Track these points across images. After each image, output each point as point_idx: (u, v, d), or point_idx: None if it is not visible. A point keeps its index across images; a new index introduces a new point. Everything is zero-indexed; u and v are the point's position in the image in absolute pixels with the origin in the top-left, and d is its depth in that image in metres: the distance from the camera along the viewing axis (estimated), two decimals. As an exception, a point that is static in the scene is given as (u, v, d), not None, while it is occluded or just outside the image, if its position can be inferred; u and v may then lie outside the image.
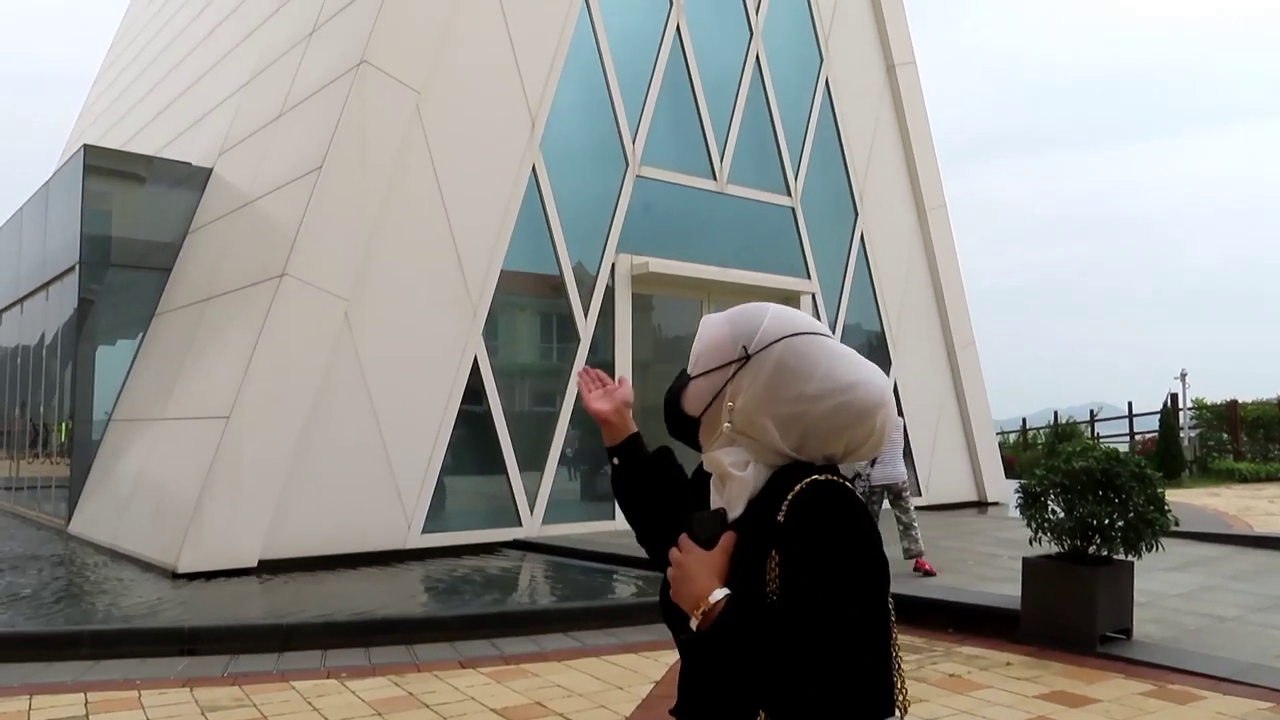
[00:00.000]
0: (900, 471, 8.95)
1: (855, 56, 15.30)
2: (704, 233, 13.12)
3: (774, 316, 1.56)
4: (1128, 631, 6.54)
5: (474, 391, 10.83)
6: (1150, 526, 6.23)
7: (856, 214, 14.91)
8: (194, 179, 12.99)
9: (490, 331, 11.12)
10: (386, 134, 10.17)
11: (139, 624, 7.01)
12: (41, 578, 8.90)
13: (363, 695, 5.53)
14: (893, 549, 8.89)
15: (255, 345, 9.37)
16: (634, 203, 12.38)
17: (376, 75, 10.12)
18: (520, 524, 11.05)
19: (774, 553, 1.42)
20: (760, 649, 1.36)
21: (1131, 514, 6.27)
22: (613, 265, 12.09)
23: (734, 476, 1.53)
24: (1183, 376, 23.78)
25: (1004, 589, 7.58)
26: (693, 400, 1.60)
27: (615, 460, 1.93)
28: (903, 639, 5.53)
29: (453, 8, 10.76)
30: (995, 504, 15.41)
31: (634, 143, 12.46)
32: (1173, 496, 7.97)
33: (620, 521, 11.39)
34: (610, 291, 12.07)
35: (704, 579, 1.45)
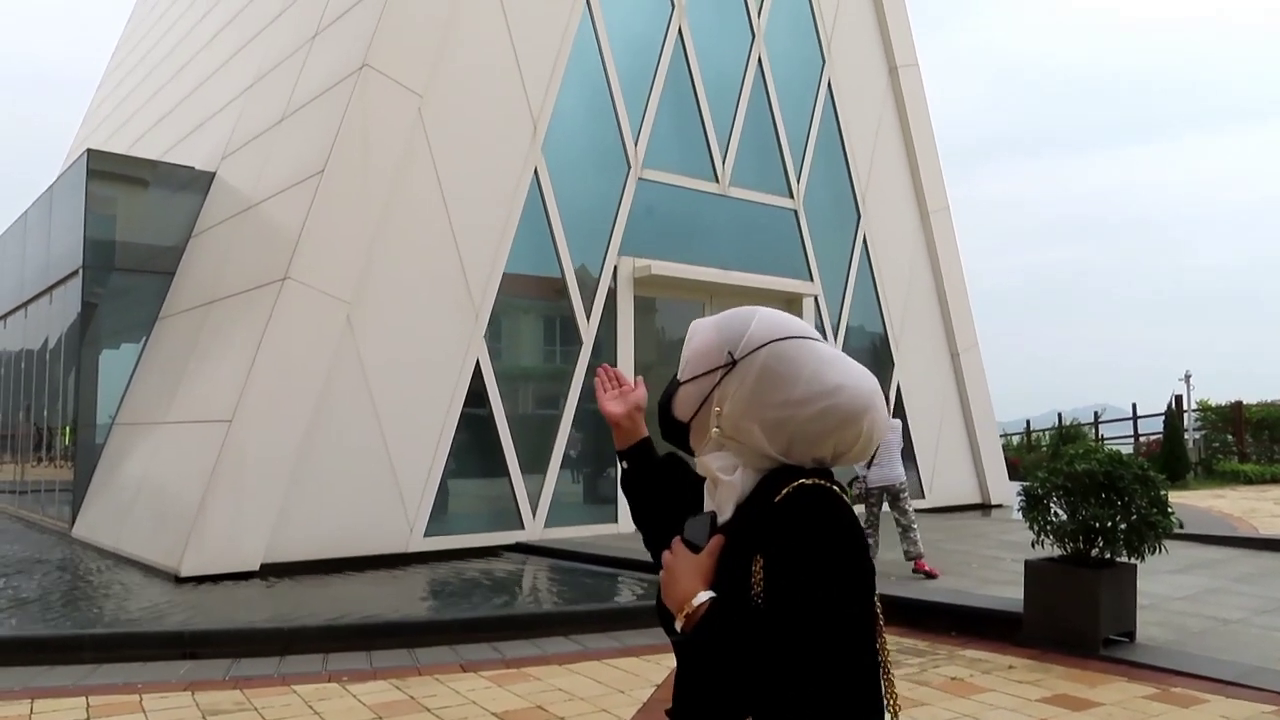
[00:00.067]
0: (898, 473, 8.92)
1: (857, 58, 15.30)
2: (706, 235, 13.11)
3: (760, 321, 1.55)
4: (1131, 634, 6.52)
5: (476, 394, 10.83)
6: (1153, 529, 6.21)
7: (859, 216, 14.91)
8: (197, 183, 13.02)
9: (492, 334, 11.13)
10: (388, 137, 10.18)
11: (141, 628, 7.01)
12: (44, 581, 8.91)
13: (364, 699, 5.53)
14: (894, 551, 8.89)
15: (258, 349, 9.38)
16: (636, 205, 12.39)
17: (378, 79, 10.14)
18: (522, 527, 11.04)
19: (759, 556, 1.42)
20: (742, 652, 1.37)
21: (1134, 516, 6.25)
22: (615, 268, 12.09)
23: (722, 481, 1.54)
24: (1187, 378, 23.73)
25: (1007, 592, 7.55)
26: (682, 405, 1.61)
27: (625, 464, 1.92)
28: (905, 642, 5.49)
29: (454, 11, 10.77)
30: (999, 506, 15.39)
31: (636, 145, 12.46)
32: (1177, 498, 7.95)
33: (622, 524, 11.40)
34: (612, 294, 12.07)
35: (689, 582, 1.46)
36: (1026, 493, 6.79)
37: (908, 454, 13.79)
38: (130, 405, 12.21)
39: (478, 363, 10.81)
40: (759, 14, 14.12)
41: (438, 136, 10.60)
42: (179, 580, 8.69)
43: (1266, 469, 21.16)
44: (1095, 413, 28.65)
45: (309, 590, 8.50)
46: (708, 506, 1.60)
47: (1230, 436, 23.04)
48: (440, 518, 10.50)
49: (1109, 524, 6.26)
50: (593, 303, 11.90)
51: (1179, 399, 23.00)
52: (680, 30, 13.12)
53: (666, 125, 12.91)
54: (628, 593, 8.70)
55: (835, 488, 1.46)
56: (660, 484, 1.86)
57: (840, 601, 1.36)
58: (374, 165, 10.06)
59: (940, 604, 7.43)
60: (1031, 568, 6.74)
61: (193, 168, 13.33)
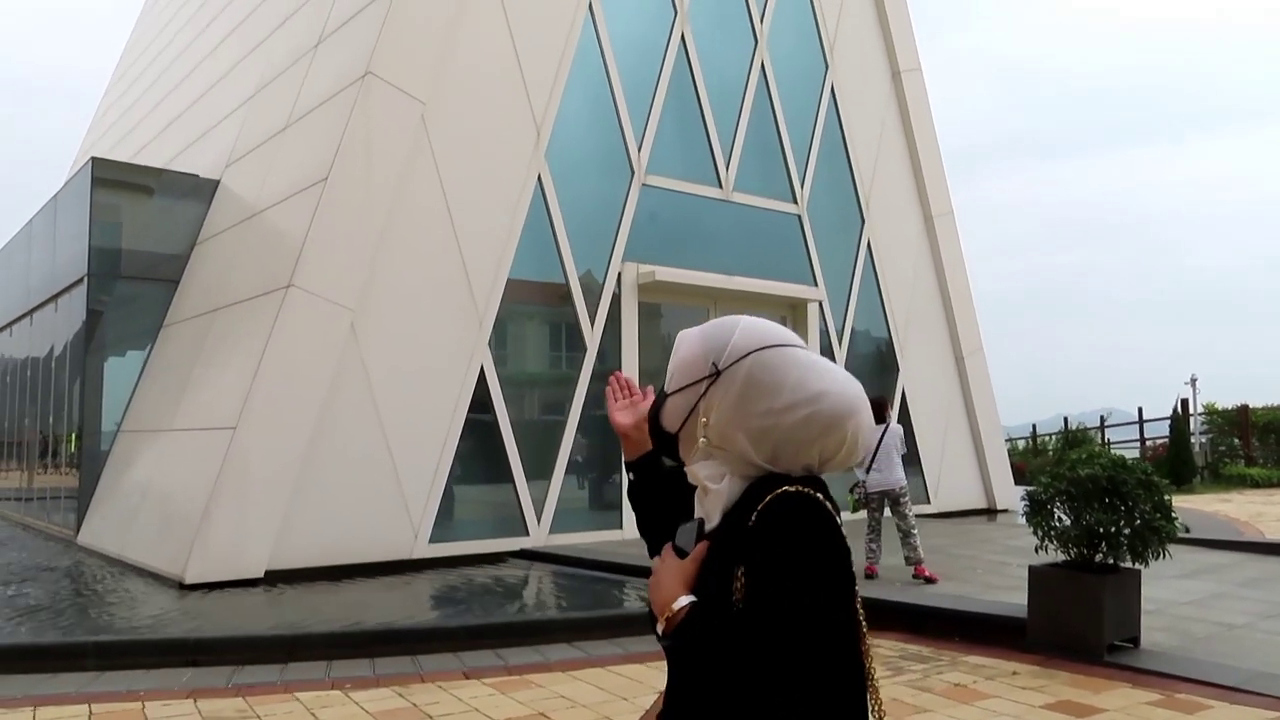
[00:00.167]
0: (898, 478, 8.91)
1: (860, 63, 15.31)
2: (710, 241, 13.12)
3: (743, 331, 1.57)
4: (1135, 640, 6.50)
5: (481, 401, 10.84)
6: (1157, 534, 6.19)
7: (863, 221, 14.90)
8: (201, 191, 13.06)
9: (496, 341, 11.13)
10: (392, 145, 10.20)
11: (144, 635, 7.02)
12: (49, 589, 8.92)
13: (366, 706, 5.52)
14: (896, 556, 8.88)
15: (262, 356, 9.40)
16: (640, 211, 12.40)
17: (381, 86, 10.16)
18: (527, 533, 11.04)
19: (740, 563, 1.44)
20: (720, 656, 1.39)
21: (1138, 521, 6.23)
22: (619, 274, 12.10)
23: (710, 489, 1.56)
24: (1193, 381, 23.68)
25: (1011, 597, 7.53)
26: (670, 416, 1.63)
27: (631, 475, 1.94)
28: (909, 648, 5.47)
29: (456, 17, 10.79)
30: (1005, 511, 15.36)
31: (639, 151, 12.47)
32: (1183, 502, 7.93)
33: (627, 531, 11.39)
34: (617, 300, 12.08)
35: (671, 586, 1.49)
36: (1030, 497, 6.77)
37: (912, 459, 13.77)
38: (135, 412, 12.24)
39: (482, 369, 10.81)
40: (762, 19, 14.14)
41: (441, 143, 10.62)
42: (183, 587, 8.70)
43: (1273, 473, 21.10)
44: (1101, 417, 28.61)
45: (313, 597, 8.50)
46: (697, 514, 1.62)
47: (1236, 440, 22.99)
48: (445, 524, 10.50)
49: (1113, 529, 6.25)
50: (597, 309, 11.91)
51: (1185, 402, 22.96)
52: (683, 36, 13.14)
53: (670, 131, 12.92)
54: (631, 599, 8.69)
55: (819, 495, 1.47)
56: (666, 496, 1.87)
57: (818, 607, 1.37)
58: (377, 172, 10.09)
59: (944, 609, 7.41)
60: (1035, 573, 6.72)
61: (197, 176, 13.37)
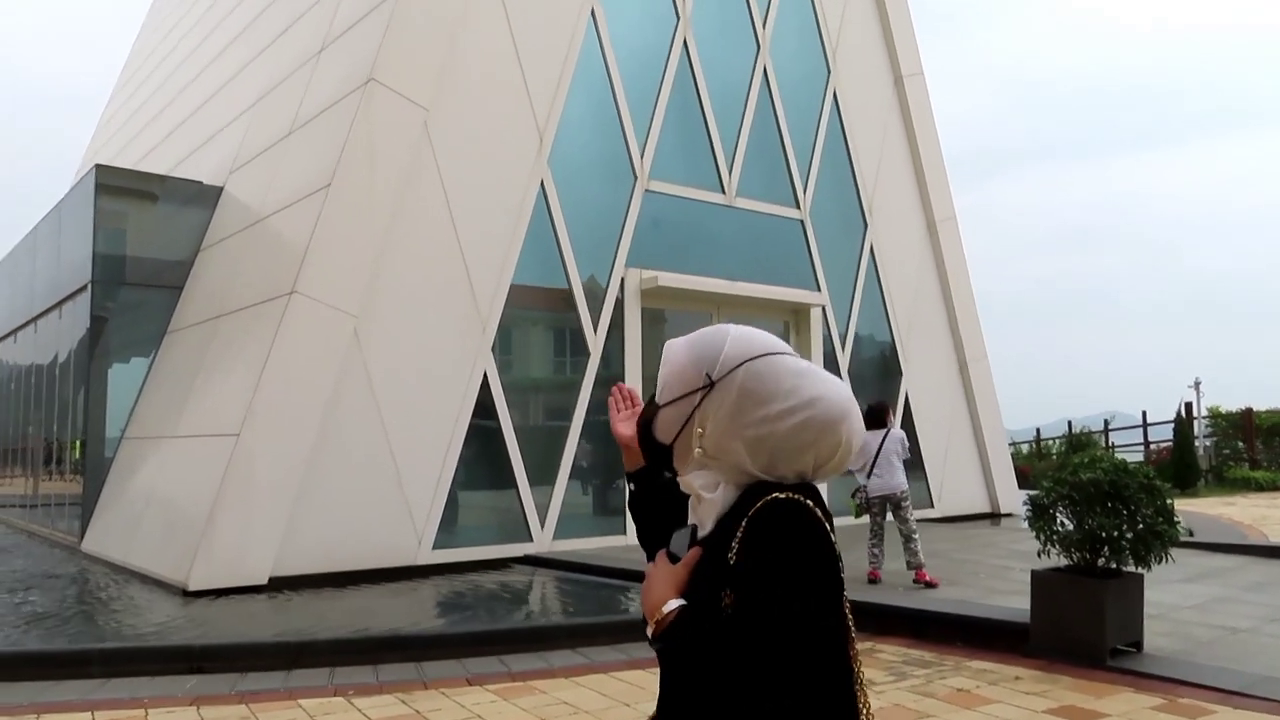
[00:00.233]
0: (899, 482, 8.89)
1: (863, 68, 15.33)
2: (713, 246, 13.13)
3: (734, 340, 1.59)
4: (1138, 644, 6.49)
5: (484, 407, 10.85)
6: (1159, 538, 6.18)
7: (866, 226, 14.91)
8: (205, 197, 13.09)
9: (500, 346, 11.15)
10: (395, 151, 10.23)
11: (148, 642, 7.03)
12: (53, 596, 8.95)
13: (369, 713, 5.53)
14: (898, 561, 8.88)
15: (265, 362, 9.42)
16: (643, 217, 12.41)
17: (384, 93, 10.19)
18: (531, 539, 11.05)
19: (730, 568, 1.46)
20: (707, 659, 1.42)
21: (1140, 525, 6.23)
22: (622, 279, 12.11)
23: (705, 498, 1.58)
24: (1197, 385, 23.63)
25: (1014, 602, 7.53)
26: (663, 428, 1.64)
27: (632, 486, 1.95)
28: (911, 653, 5.48)
29: (460, 25, 10.82)
30: (1008, 515, 15.34)
31: (642, 157, 12.49)
32: (1187, 506, 7.92)
33: (631, 536, 11.39)
34: (620, 305, 12.09)
35: (662, 590, 1.52)
36: (1032, 502, 6.77)
37: (916, 464, 13.77)
38: (139, 419, 12.27)
39: (485, 375, 10.83)
40: (764, 24, 14.16)
41: (444, 149, 10.65)
42: (187, 594, 8.72)
43: (1277, 476, 21.06)
44: (1105, 420, 28.58)
45: (317, 604, 8.51)
46: (691, 521, 1.64)
47: (1241, 443, 22.96)
48: (448, 530, 10.51)
49: (1115, 533, 6.25)
50: (600, 314, 11.92)
51: (1189, 406, 22.93)
52: (685, 41, 13.17)
53: (672, 136, 12.94)
54: (635, 605, 8.69)
55: (810, 501, 1.49)
56: (665, 507, 1.88)
57: (806, 612, 1.39)
58: (380, 179, 10.11)
59: (947, 614, 7.40)
60: (1038, 578, 6.72)
61: (201, 182, 13.41)
